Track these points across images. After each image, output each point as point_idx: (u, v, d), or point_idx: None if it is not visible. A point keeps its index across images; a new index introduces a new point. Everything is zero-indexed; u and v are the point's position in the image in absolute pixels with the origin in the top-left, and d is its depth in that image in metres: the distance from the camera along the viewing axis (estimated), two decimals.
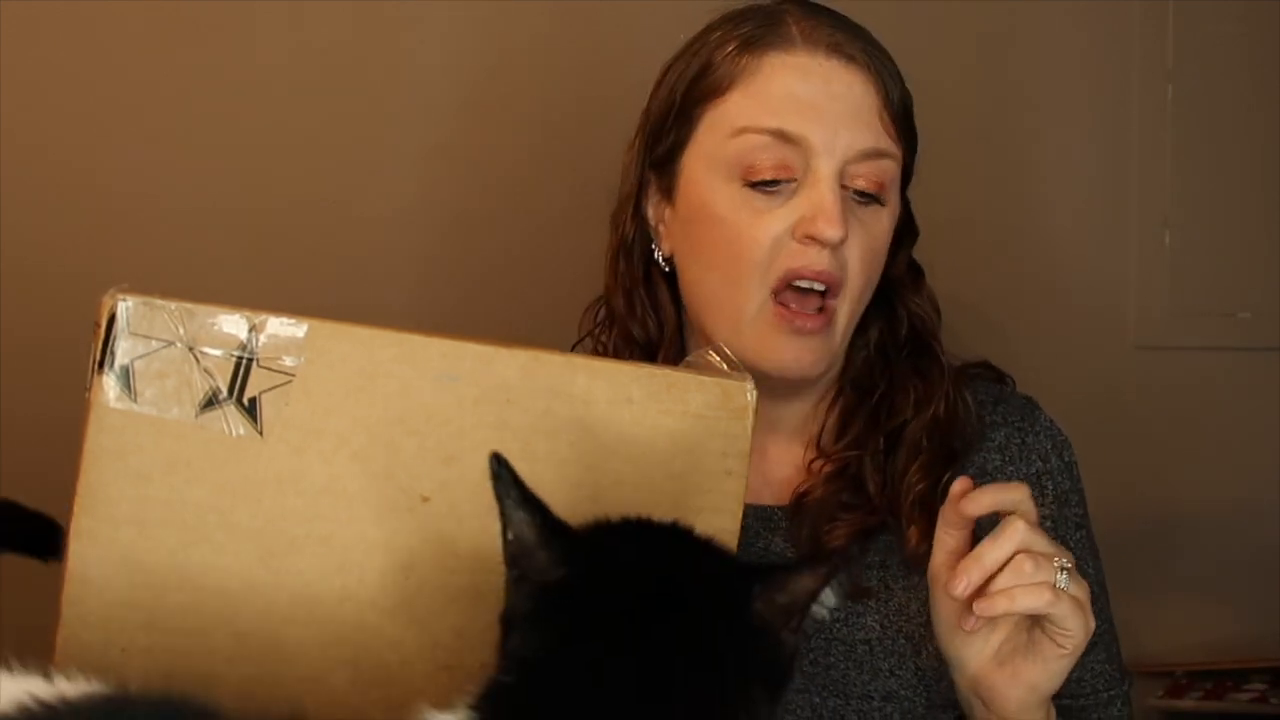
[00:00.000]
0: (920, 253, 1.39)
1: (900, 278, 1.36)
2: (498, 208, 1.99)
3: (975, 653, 1.12)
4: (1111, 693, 1.29)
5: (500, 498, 0.87)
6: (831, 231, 1.22)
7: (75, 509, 0.95)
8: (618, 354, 1.35)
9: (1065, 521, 1.30)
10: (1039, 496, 1.24)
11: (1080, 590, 1.09)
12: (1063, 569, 1.08)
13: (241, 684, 0.95)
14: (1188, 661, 2.06)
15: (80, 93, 1.90)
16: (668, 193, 1.32)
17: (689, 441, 1.01)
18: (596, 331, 1.39)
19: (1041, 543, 1.08)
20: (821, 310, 1.25)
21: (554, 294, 1.88)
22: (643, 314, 1.35)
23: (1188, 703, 2.00)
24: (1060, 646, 1.09)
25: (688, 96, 1.29)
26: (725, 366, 1.08)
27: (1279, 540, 2.06)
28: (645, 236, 1.35)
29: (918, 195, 1.36)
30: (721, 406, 1.02)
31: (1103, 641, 1.29)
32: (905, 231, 1.36)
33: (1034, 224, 2.10)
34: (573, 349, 1.39)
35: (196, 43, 1.93)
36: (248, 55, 1.95)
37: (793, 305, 1.25)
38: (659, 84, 1.33)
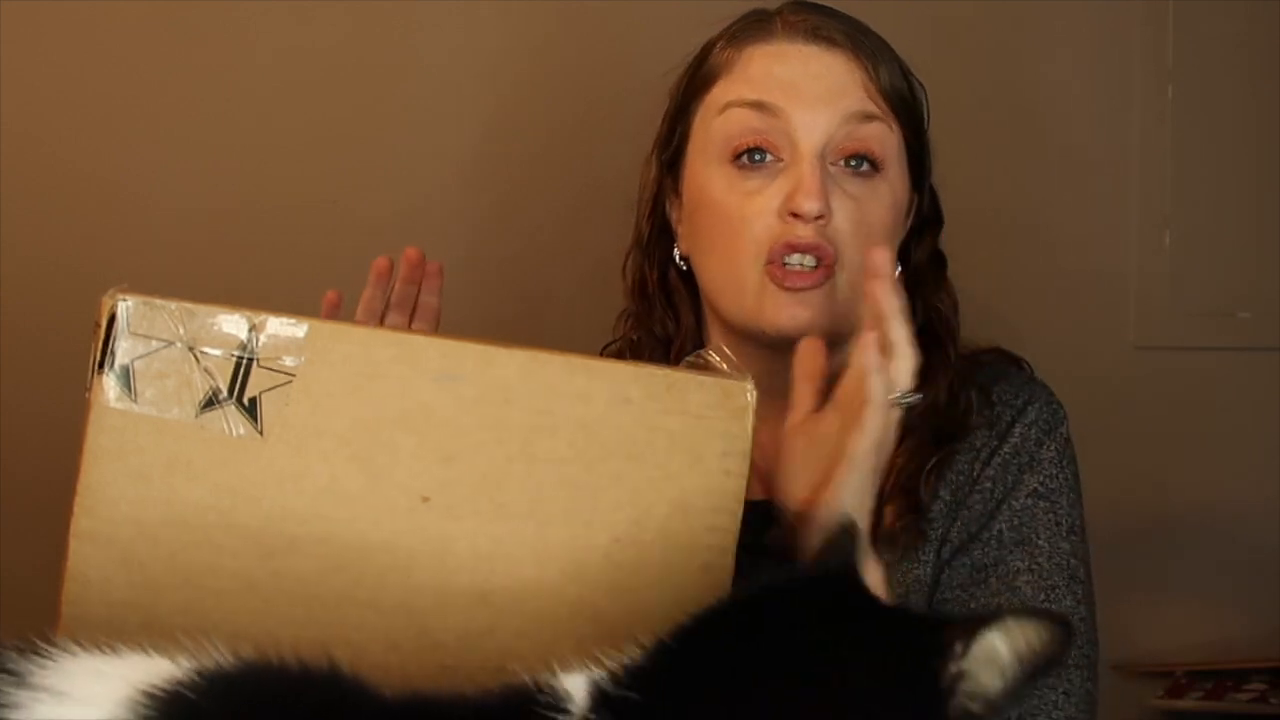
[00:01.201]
0: None
1: (922, 268, 1.37)
2: (499, 209, 1.99)
3: (804, 484, 1.11)
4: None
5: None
6: (809, 204, 1.24)
7: (75, 509, 0.95)
8: (642, 350, 1.39)
9: (1021, 487, 1.29)
10: (997, 441, 1.29)
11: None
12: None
13: None
14: (1188, 661, 2.06)
15: (81, 93, 1.90)
16: (678, 191, 1.36)
17: (688, 441, 1.01)
18: (628, 332, 1.42)
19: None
20: (818, 269, 1.27)
21: (559, 294, 1.89)
22: (661, 313, 1.39)
23: (1188, 703, 2.00)
24: (848, 456, 1.09)
25: (685, 94, 1.35)
26: (725, 366, 1.08)
27: (1279, 540, 2.06)
28: (664, 238, 1.39)
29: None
30: (721, 406, 1.02)
31: None
32: (930, 219, 1.38)
33: (1034, 223, 2.10)
34: (603, 351, 1.41)
35: (199, 43, 1.94)
36: (252, 56, 1.95)
37: (787, 268, 1.27)
38: (670, 90, 1.38)
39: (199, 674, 0.82)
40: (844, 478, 1.08)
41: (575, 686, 0.83)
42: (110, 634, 0.93)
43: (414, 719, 0.83)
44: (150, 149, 1.92)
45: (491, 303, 1.93)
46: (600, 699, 0.82)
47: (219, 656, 0.83)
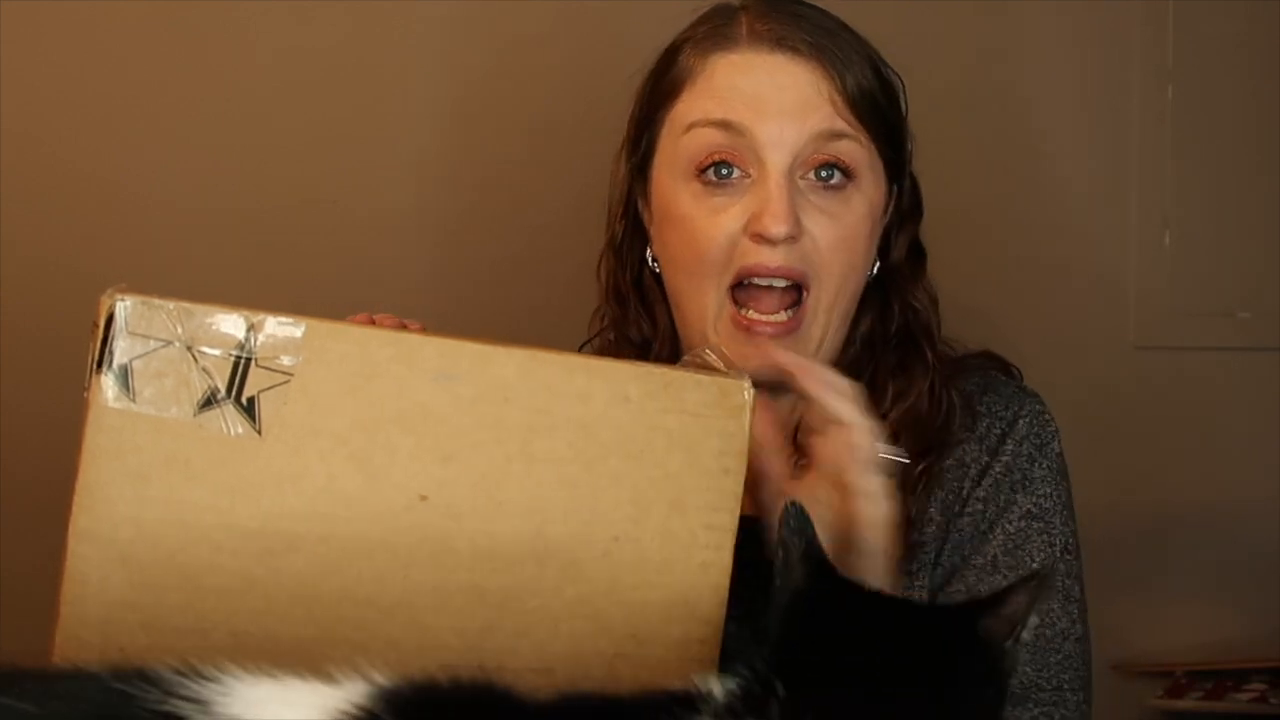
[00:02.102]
0: None
1: (900, 265, 1.35)
2: (497, 209, 1.99)
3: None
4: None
5: (786, 545, 0.93)
6: (776, 228, 1.22)
7: (74, 509, 0.95)
8: (618, 353, 1.36)
9: (1014, 508, 1.28)
10: (988, 458, 1.27)
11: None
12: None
13: None
14: (1188, 661, 2.06)
15: (80, 93, 1.91)
16: (647, 198, 1.33)
17: (686, 440, 1.01)
18: (604, 330, 1.40)
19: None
20: (794, 311, 1.25)
21: (554, 294, 1.89)
22: (635, 316, 1.36)
23: (1188, 703, 2.00)
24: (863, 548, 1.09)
25: (650, 103, 1.32)
26: (723, 365, 1.08)
27: (1279, 540, 2.06)
28: (638, 239, 1.36)
29: None
30: (718, 405, 1.02)
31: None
32: (909, 213, 1.35)
33: (1033, 224, 2.10)
34: (581, 348, 1.40)
35: (197, 43, 1.94)
36: (248, 56, 1.95)
37: (752, 309, 1.25)
38: (637, 92, 1.35)
39: (381, 697, 0.82)
40: (866, 565, 1.08)
41: (715, 686, 0.86)
42: (109, 634, 0.93)
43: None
44: (150, 149, 1.92)
45: (490, 302, 1.93)
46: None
47: (378, 676, 0.83)
